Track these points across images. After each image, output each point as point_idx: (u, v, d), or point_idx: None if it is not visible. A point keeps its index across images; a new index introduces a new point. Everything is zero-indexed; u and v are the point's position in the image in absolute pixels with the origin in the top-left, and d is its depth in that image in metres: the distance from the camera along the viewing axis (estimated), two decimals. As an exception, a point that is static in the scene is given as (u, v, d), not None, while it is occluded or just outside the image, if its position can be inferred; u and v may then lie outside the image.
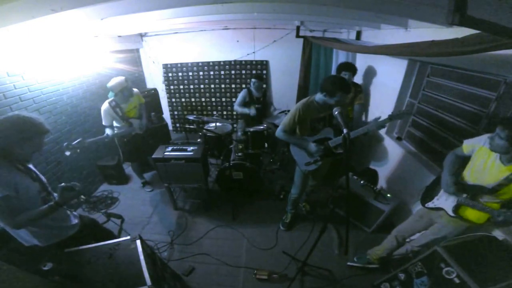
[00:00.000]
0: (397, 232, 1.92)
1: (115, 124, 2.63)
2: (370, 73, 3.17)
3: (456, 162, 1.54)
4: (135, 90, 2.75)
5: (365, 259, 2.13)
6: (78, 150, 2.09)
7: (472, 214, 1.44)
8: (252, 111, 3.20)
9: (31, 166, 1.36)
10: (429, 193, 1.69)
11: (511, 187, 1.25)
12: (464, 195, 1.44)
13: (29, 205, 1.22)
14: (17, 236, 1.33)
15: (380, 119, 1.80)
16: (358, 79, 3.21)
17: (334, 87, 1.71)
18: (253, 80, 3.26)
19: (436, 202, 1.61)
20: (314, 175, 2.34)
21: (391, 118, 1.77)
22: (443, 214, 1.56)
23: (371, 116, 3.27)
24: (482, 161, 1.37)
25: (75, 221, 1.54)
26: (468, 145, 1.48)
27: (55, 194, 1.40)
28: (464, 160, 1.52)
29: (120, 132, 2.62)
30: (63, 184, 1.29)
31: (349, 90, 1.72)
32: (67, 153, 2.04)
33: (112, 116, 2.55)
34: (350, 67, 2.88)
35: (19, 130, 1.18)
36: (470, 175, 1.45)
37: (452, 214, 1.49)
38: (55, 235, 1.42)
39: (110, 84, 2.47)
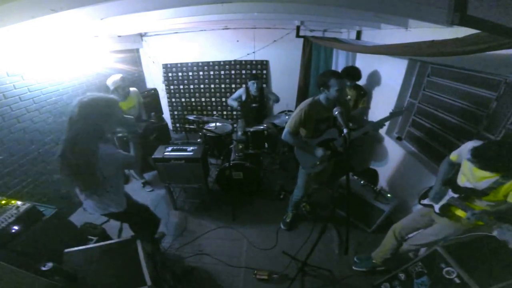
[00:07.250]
0: (395, 228, 1.91)
1: None
2: (370, 73, 3.16)
3: (449, 171, 1.59)
4: (134, 89, 2.75)
5: (370, 263, 2.10)
6: None
7: None
8: (235, 103, 3.33)
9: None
10: (429, 191, 1.70)
11: (500, 190, 1.26)
12: (456, 196, 1.46)
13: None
14: (96, 207, 1.56)
15: (381, 118, 1.84)
16: (358, 79, 3.20)
17: (325, 78, 1.77)
18: (251, 81, 3.20)
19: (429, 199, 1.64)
20: (319, 175, 2.32)
21: (392, 114, 1.84)
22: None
23: (371, 116, 3.26)
24: (470, 167, 1.39)
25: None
26: (455, 155, 1.53)
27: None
28: (457, 167, 1.56)
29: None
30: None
31: (339, 74, 1.77)
32: None
33: None
34: (348, 74, 2.79)
35: (108, 107, 1.38)
36: (461, 179, 1.48)
37: (437, 211, 1.55)
38: (123, 202, 1.65)
39: (107, 81, 2.53)
